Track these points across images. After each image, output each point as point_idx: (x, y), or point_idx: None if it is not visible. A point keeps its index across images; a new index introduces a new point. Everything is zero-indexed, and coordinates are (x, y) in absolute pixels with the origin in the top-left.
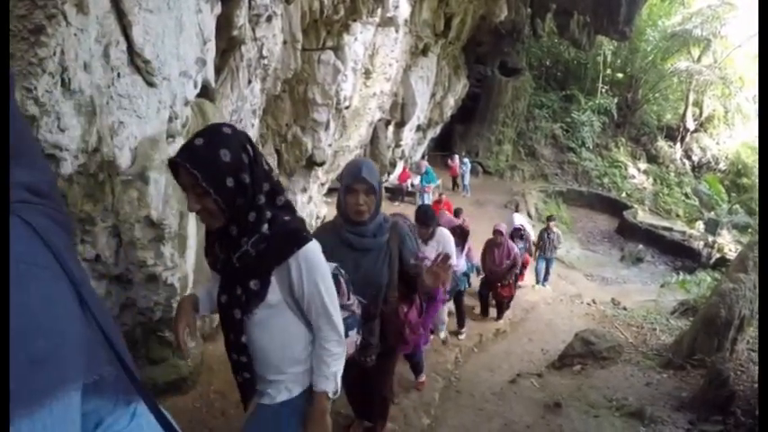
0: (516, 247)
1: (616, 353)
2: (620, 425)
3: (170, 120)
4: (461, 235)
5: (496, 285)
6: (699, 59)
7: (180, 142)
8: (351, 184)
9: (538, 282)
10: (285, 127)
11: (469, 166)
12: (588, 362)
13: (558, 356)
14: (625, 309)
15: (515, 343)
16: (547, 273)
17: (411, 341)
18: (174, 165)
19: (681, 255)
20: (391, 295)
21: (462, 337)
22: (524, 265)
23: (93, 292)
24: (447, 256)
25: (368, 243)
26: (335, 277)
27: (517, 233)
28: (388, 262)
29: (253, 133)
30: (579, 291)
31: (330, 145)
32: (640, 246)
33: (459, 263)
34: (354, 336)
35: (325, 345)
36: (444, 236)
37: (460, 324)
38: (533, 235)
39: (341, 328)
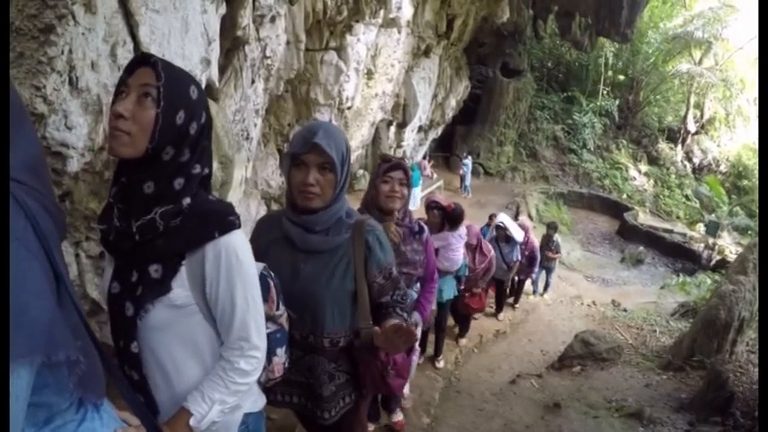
0: (492, 250)
1: (616, 354)
2: (620, 426)
3: None
4: (451, 219)
5: (464, 294)
6: (700, 62)
7: None
8: (298, 153)
9: (535, 292)
10: (287, 127)
11: (470, 166)
12: (588, 363)
13: (557, 357)
14: (625, 310)
15: (515, 344)
16: (547, 283)
17: (396, 387)
18: (144, 58)
19: (681, 256)
20: (363, 325)
21: (440, 365)
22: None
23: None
24: (410, 332)
25: (314, 242)
26: (263, 279)
27: (501, 233)
28: (353, 276)
29: (255, 133)
30: (579, 292)
31: None
32: (641, 247)
33: (452, 256)
34: (283, 356)
35: (228, 370)
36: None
37: (438, 350)
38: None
39: (257, 353)
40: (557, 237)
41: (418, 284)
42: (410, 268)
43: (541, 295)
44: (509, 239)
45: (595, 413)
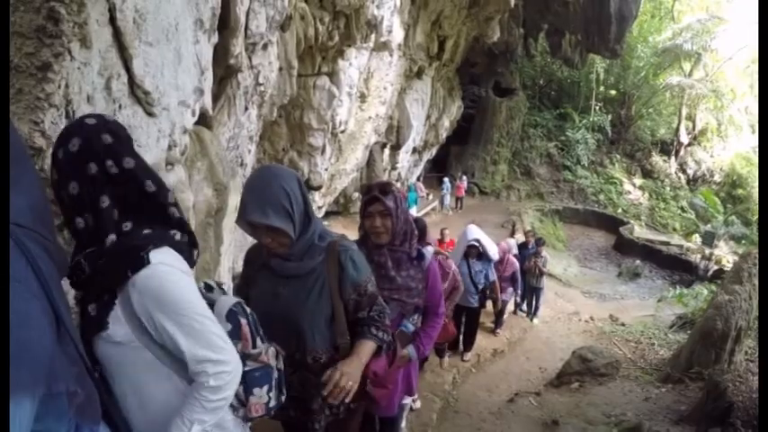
0: (454, 265)
1: (614, 369)
2: None
3: (169, 148)
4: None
5: None
6: (690, 73)
7: (179, 170)
8: (248, 219)
9: (528, 313)
10: (282, 152)
11: (449, 185)
12: (586, 379)
13: (556, 374)
14: (623, 324)
15: (513, 362)
16: (536, 306)
17: (379, 397)
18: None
19: (678, 268)
20: (341, 341)
21: (417, 405)
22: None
23: (72, 322)
24: (340, 388)
25: (290, 268)
26: (233, 316)
27: (473, 252)
28: (329, 296)
29: (250, 159)
30: (577, 308)
31: (326, 169)
32: (637, 261)
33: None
34: (264, 395)
35: (200, 390)
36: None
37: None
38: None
39: (224, 367)
40: (545, 252)
41: (416, 316)
42: (403, 294)
43: (530, 320)
44: (481, 256)
45: (594, 429)
